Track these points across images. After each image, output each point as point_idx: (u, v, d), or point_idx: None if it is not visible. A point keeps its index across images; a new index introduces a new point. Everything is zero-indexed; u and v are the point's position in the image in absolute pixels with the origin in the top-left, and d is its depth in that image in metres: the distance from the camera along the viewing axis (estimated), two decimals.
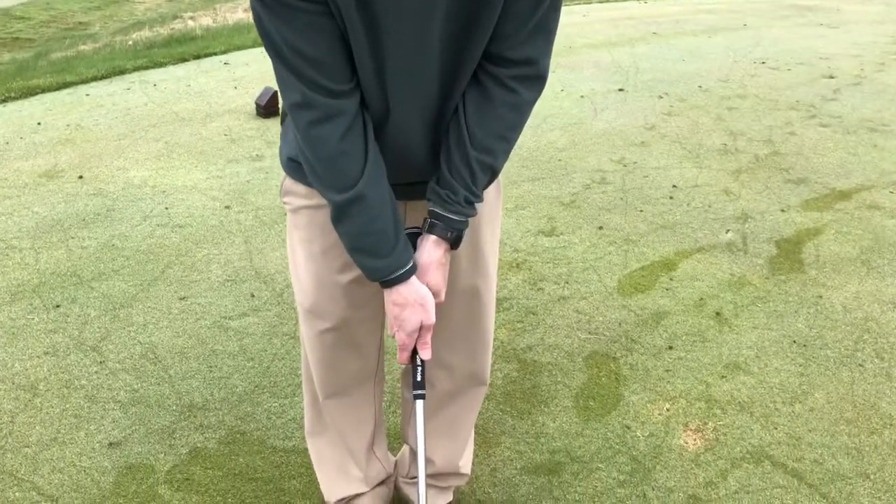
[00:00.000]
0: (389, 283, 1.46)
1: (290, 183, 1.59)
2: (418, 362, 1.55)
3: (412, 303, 1.47)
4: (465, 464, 2.07)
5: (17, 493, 2.18)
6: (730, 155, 4.68)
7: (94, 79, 6.35)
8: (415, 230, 1.55)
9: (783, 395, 2.62)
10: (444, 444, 2.00)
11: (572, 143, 4.88)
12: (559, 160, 4.60)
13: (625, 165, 4.52)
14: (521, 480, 2.26)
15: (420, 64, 1.34)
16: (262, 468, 2.28)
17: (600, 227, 3.76)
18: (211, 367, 2.70)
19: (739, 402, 2.58)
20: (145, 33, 11.97)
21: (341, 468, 1.97)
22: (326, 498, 2.01)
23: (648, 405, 2.57)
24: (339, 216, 1.40)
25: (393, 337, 1.53)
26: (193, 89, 5.99)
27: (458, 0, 1.27)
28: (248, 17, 13.00)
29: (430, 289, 1.52)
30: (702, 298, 3.16)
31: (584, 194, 4.12)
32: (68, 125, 5.06)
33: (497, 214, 1.80)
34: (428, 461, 2.01)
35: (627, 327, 2.97)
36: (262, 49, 7.38)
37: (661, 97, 5.78)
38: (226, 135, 4.93)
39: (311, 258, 1.61)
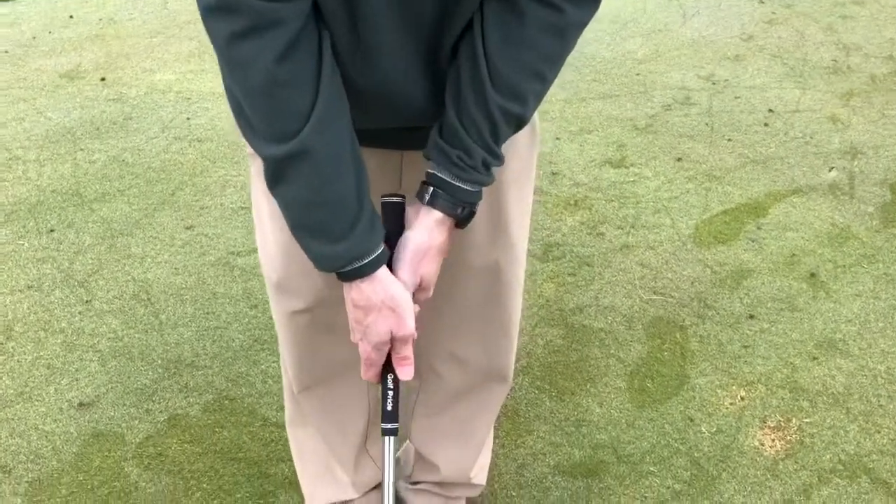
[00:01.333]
0: (347, 276, 1.05)
1: None
2: (389, 384, 1.13)
3: (378, 306, 1.05)
4: (479, 473, 1.68)
5: None
6: (840, 74, 3.98)
7: None
8: (395, 199, 1.11)
9: (891, 386, 2.12)
10: (452, 448, 1.61)
11: (654, 54, 4.25)
12: (637, 74, 4.00)
13: (713, 83, 3.89)
14: (554, 483, 1.86)
15: None
16: (247, 446, 1.94)
17: (679, 159, 3.21)
18: (208, 313, 2.35)
19: (833, 394, 2.10)
20: None
21: (326, 468, 1.60)
22: (308, 502, 1.65)
23: (719, 391, 2.11)
24: (276, 178, 1.00)
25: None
26: None
27: None
28: None
29: (422, 283, 1.11)
30: (794, 255, 2.62)
31: (663, 117, 3.55)
32: (101, 19, 4.68)
33: (529, 168, 1.35)
34: (432, 466, 1.63)
35: (701, 287, 2.48)
36: None
37: (763, 2, 5.03)
38: None
39: (279, 218, 1.19)
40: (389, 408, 1.15)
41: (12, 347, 2.22)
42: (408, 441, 1.73)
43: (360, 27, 0.97)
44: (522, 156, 1.29)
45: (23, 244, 2.65)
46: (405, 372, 1.13)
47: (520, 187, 1.32)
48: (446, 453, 1.61)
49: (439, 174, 1.07)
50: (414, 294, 1.11)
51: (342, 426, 1.53)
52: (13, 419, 2.00)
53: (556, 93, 3.76)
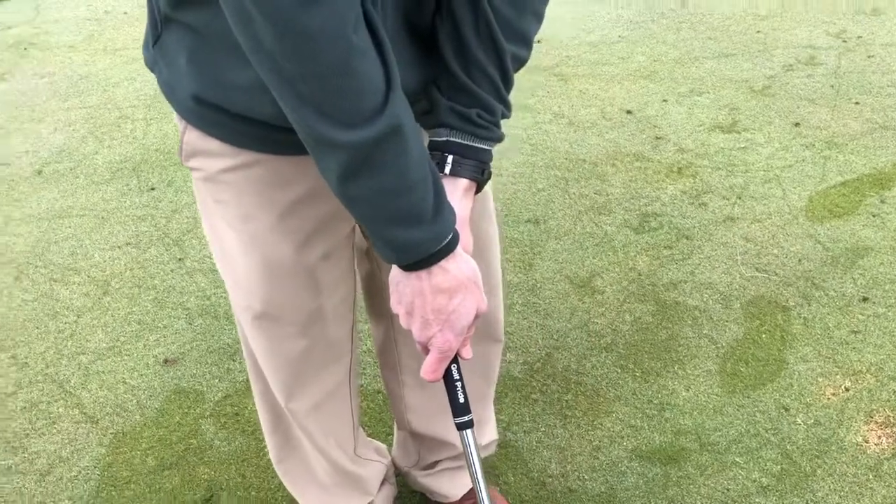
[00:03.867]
0: (435, 257, 0.94)
1: (197, 138, 1.06)
2: (455, 375, 1.05)
3: (465, 283, 0.97)
4: (490, 434, 1.62)
5: (60, 409, 1.98)
6: None
7: None
8: None
9: None
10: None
11: (780, 9, 3.94)
12: (757, 31, 3.72)
13: (844, 41, 3.57)
14: (630, 468, 1.77)
15: None
16: None
17: (797, 124, 2.96)
18: None
19: None
20: None
21: (326, 488, 1.50)
22: None
23: (820, 379, 1.94)
24: (362, 167, 0.87)
25: (423, 350, 1.03)
26: None
27: None
28: None
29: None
30: None
31: (783, 78, 3.29)
32: None
33: None
34: (441, 443, 1.56)
35: (810, 266, 2.28)
36: None
37: None
38: None
39: (252, 241, 1.10)
40: (462, 400, 1.07)
41: (108, 302, 2.31)
42: (396, 432, 1.66)
43: None
44: None
45: (125, 202, 2.74)
46: (468, 350, 1.06)
47: None
48: (452, 427, 1.54)
49: (456, 139, 0.99)
50: None
51: (339, 431, 1.43)
52: (104, 372, 2.08)
53: (667, 51, 3.55)
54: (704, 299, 2.20)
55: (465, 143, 0.98)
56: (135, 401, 1.99)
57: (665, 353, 2.05)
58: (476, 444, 1.10)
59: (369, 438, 1.63)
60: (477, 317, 1.02)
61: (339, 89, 0.82)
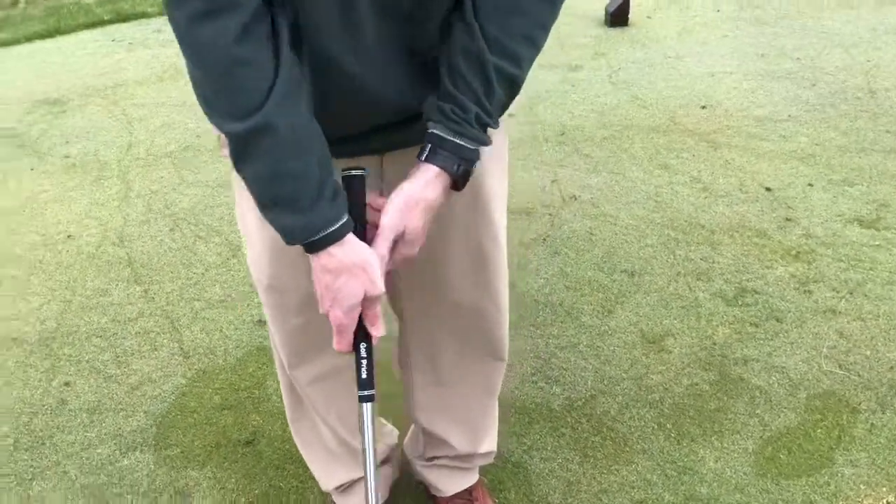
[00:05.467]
0: (319, 243, 1.10)
1: None
2: (362, 353, 1.18)
3: (349, 267, 1.11)
4: (489, 445, 1.71)
5: (164, 340, 2.33)
6: None
7: None
8: (356, 172, 1.16)
9: None
10: (458, 426, 1.66)
11: None
12: None
13: None
14: None
15: None
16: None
17: None
18: None
19: None
20: None
21: (330, 452, 1.67)
22: (323, 487, 1.75)
23: (863, 487, 1.86)
24: (240, 154, 1.05)
25: (325, 314, 1.17)
26: None
27: None
28: None
29: (406, 234, 1.14)
30: None
31: None
32: None
33: (500, 146, 1.38)
34: (443, 442, 1.68)
35: None
36: None
37: None
38: (558, 38, 4.62)
39: (264, 225, 1.25)
40: (364, 375, 1.18)
41: (233, 264, 2.65)
42: (413, 423, 1.77)
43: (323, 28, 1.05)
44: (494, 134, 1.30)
45: None
46: (379, 328, 1.17)
47: (497, 163, 1.35)
48: (453, 431, 1.64)
49: (436, 131, 1.12)
50: (396, 246, 1.14)
51: (346, 405, 1.56)
52: (208, 319, 2.40)
53: (834, 138, 3.43)
54: (771, 381, 2.16)
55: (441, 134, 1.11)
56: (223, 348, 2.29)
57: (708, 423, 2.04)
58: (373, 420, 1.21)
59: (380, 418, 1.79)
60: (368, 298, 1.13)
61: (223, 88, 1.02)
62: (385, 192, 1.18)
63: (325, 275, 1.12)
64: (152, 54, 4.80)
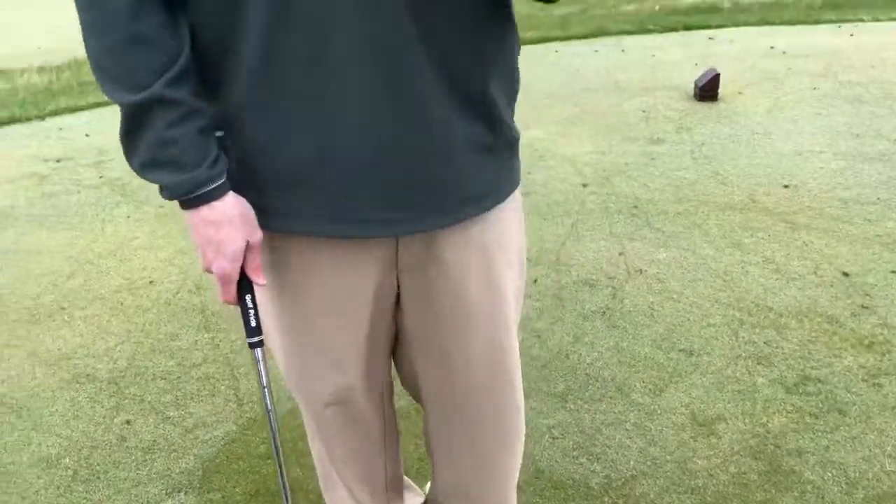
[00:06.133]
0: (199, 199, 1.12)
1: None
2: (249, 304, 1.22)
3: (231, 217, 1.13)
4: None
5: (222, 386, 2.43)
6: None
7: (576, 37, 6.50)
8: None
9: None
10: None
11: None
12: None
13: None
14: None
15: None
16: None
17: None
18: None
19: None
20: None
21: None
22: None
23: None
24: (130, 123, 1.09)
25: (208, 271, 1.19)
26: (657, 59, 5.73)
27: None
28: None
29: None
30: None
31: None
32: None
33: (516, 234, 1.33)
34: None
35: None
36: (757, 30, 6.76)
37: None
38: (644, 111, 4.63)
39: (285, 333, 1.28)
40: (254, 324, 1.23)
41: None
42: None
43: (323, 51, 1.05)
44: (507, 219, 1.29)
45: None
46: (262, 277, 1.19)
47: (512, 254, 1.31)
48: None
49: None
50: None
51: (370, 479, 1.59)
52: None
53: None
54: (826, 478, 2.05)
55: None
56: (275, 399, 2.37)
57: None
58: (265, 363, 1.26)
59: (410, 484, 1.80)
60: (249, 248, 1.16)
61: (117, 62, 1.07)
62: (402, 280, 1.24)
63: (207, 228, 1.14)
64: None
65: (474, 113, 1.14)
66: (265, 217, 1.17)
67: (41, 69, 8.12)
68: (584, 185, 3.69)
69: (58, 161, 4.46)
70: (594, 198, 3.61)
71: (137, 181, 3.98)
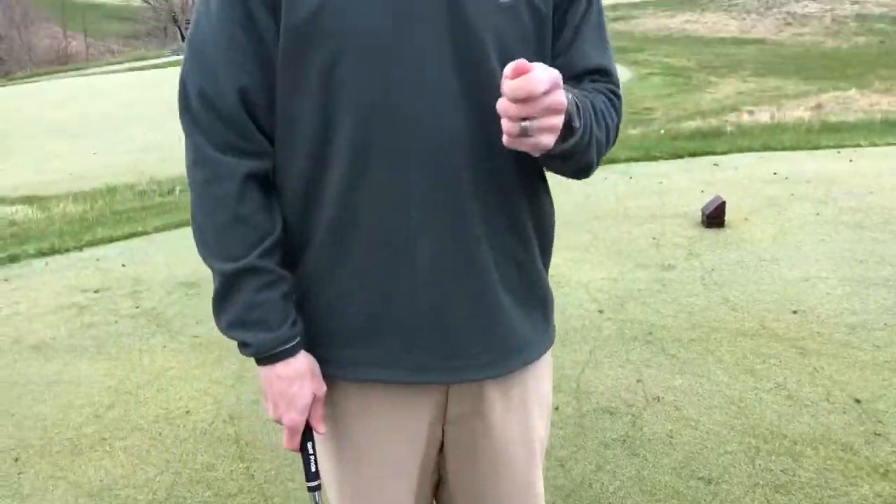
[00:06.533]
0: (279, 355, 1.27)
1: None
2: (310, 450, 1.34)
3: (304, 373, 1.28)
4: None
5: None
6: None
7: None
8: None
9: None
10: None
11: None
12: None
13: None
14: None
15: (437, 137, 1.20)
16: None
17: None
18: None
19: None
20: (693, 123, 12.26)
21: None
22: None
23: None
24: (225, 290, 1.25)
25: (277, 421, 1.31)
26: (664, 186, 6.00)
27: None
28: (804, 117, 12.33)
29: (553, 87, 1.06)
30: None
31: None
32: None
33: (546, 393, 1.46)
34: None
35: None
36: (759, 155, 7.08)
37: None
38: (654, 238, 4.84)
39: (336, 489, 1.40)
40: (314, 469, 1.33)
41: None
42: None
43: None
44: (542, 375, 1.42)
45: None
46: (322, 426, 1.31)
47: (544, 408, 1.45)
48: None
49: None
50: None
51: None
52: (299, 500, 2.59)
53: None
54: None
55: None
56: None
57: None
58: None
59: None
60: (315, 400, 1.29)
61: (219, 238, 1.25)
62: (448, 432, 1.36)
63: (281, 383, 1.28)
64: None
65: (520, 277, 1.33)
66: (327, 366, 1.33)
67: (76, 197, 8.51)
68: (600, 312, 3.85)
69: (96, 291, 4.68)
70: (610, 324, 3.76)
71: (172, 311, 4.18)
